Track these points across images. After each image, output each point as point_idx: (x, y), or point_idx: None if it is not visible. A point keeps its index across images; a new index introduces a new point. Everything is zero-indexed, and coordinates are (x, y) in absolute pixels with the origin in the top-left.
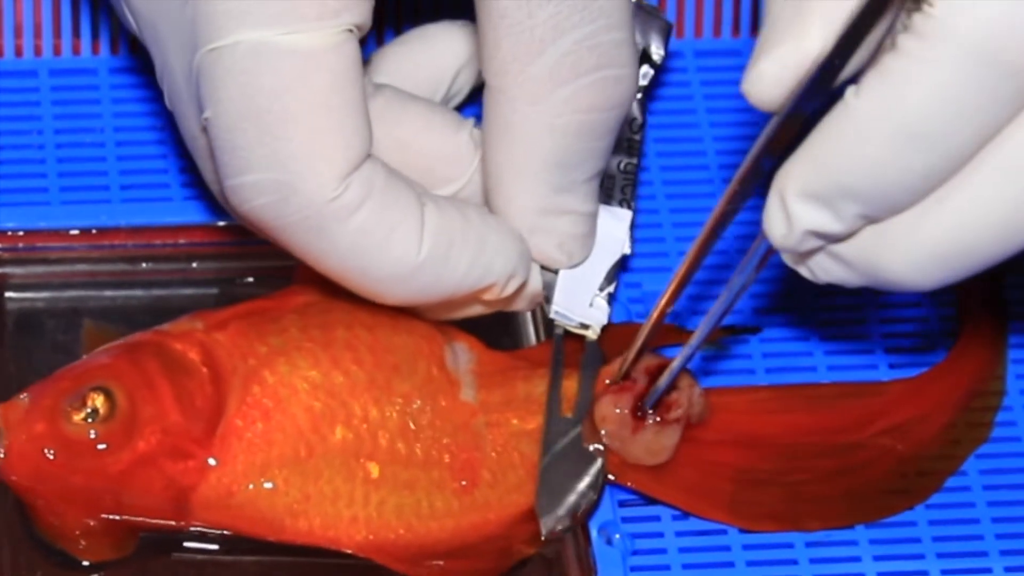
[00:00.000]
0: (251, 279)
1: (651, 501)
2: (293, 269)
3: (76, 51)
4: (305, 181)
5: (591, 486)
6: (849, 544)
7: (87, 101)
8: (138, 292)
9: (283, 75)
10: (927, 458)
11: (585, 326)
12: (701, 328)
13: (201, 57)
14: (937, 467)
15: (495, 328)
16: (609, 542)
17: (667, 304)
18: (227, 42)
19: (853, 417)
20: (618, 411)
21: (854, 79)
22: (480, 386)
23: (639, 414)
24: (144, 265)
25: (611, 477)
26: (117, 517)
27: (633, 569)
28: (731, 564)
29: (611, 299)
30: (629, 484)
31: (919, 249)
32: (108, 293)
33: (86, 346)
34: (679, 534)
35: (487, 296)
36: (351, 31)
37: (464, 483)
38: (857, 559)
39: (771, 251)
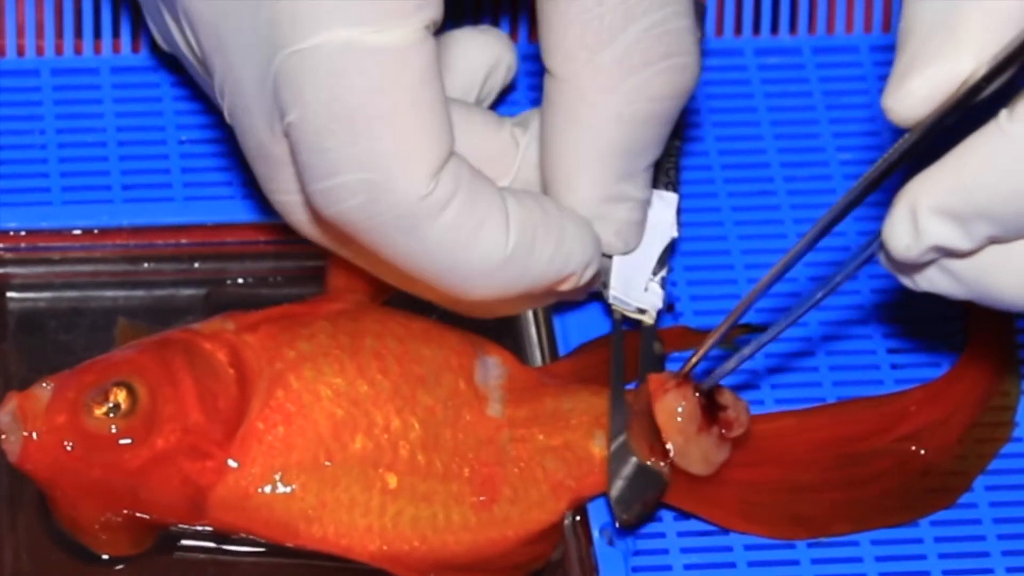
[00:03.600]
0: (248, 280)
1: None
2: (294, 270)
3: (78, 51)
4: (397, 180)
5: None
6: (851, 545)
7: (89, 101)
8: (140, 292)
9: (372, 74)
10: (952, 460)
11: (642, 311)
12: (778, 325)
13: (283, 59)
14: (963, 468)
15: (497, 331)
16: (611, 543)
17: (742, 309)
18: (313, 43)
19: (874, 426)
20: (685, 404)
21: (998, 98)
22: (508, 401)
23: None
24: (146, 265)
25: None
26: (134, 513)
27: (635, 570)
28: (732, 565)
29: (664, 283)
30: (670, 503)
31: None
32: (109, 293)
33: (118, 343)
34: (680, 535)
35: (564, 287)
36: (428, 27)
37: (483, 498)
38: (859, 560)
39: (872, 257)
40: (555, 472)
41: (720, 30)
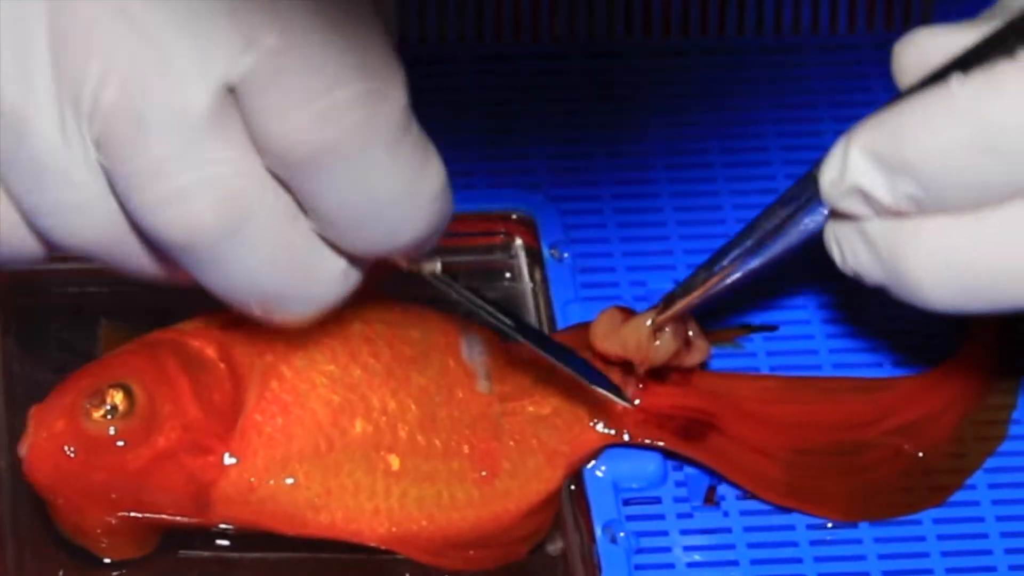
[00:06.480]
0: None
1: (655, 500)
2: None
3: None
4: None
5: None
6: (854, 543)
7: None
8: (143, 290)
9: None
10: (941, 458)
11: None
12: (728, 252)
13: None
14: (954, 466)
15: None
16: (614, 540)
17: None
18: None
19: (862, 414)
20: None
21: (965, 63)
22: (495, 376)
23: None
24: None
25: (626, 437)
26: (138, 515)
27: (637, 567)
28: (736, 563)
29: None
30: (649, 441)
31: (941, 255)
32: (113, 291)
33: (104, 345)
34: (683, 532)
35: None
36: None
37: (484, 473)
38: (862, 557)
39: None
40: (549, 440)
41: (723, 28)
